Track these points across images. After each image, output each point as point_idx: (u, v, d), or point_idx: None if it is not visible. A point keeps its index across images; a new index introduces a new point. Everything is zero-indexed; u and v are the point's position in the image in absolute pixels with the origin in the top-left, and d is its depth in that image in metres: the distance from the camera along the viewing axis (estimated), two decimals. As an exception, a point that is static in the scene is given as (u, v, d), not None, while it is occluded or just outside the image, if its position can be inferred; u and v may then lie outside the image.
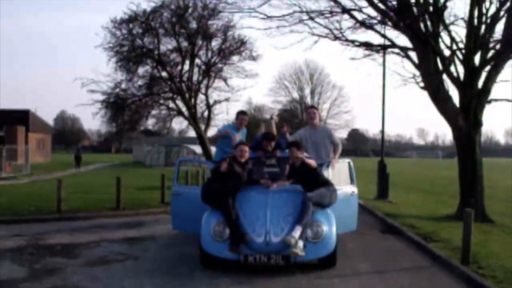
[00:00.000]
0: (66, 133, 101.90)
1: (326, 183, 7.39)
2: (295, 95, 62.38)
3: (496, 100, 14.32)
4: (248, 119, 9.56)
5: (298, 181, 7.51)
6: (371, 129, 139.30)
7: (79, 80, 23.27)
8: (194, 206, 7.65)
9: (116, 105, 24.23)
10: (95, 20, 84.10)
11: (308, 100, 63.76)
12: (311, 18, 14.70)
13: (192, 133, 36.86)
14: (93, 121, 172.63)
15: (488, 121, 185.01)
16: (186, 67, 24.53)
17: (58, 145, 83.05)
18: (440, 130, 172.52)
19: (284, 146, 8.51)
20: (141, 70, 24.26)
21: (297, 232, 6.47)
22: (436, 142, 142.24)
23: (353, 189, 8.78)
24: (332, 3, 13.29)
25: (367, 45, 14.65)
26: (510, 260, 7.19)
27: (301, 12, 14.23)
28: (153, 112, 26.43)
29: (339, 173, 9.08)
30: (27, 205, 13.24)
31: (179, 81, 24.20)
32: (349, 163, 8.89)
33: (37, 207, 12.90)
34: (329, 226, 6.89)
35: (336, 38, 14.74)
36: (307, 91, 64.12)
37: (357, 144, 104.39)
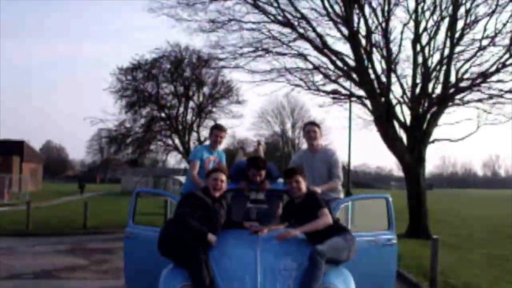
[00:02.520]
0: (52, 163, 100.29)
1: (340, 229, 4.82)
2: (277, 129, 64.38)
3: (438, 140, 17.73)
4: (224, 139, 6.76)
5: (301, 225, 4.95)
6: (353, 162, 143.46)
7: (88, 119, 28.32)
8: (157, 255, 4.87)
9: (120, 140, 29.79)
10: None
11: (290, 133, 67.63)
12: (289, 72, 18.26)
13: (172, 165, 42.70)
14: (77, 151, 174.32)
15: (466, 154, 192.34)
16: (182, 109, 30.47)
17: (44, 174, 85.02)
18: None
19: (276, 175, 6.15)
20: (143, 111, 30.02)
21: None
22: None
23: (390, 236, 5.82)
24: (306, 62, 16.52)
25: (333, 93, 17.49)
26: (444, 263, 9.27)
27: (280, 69, 17.20)
28: (151, 147, 31.58)
29: (368, 213, 6.85)
30: (53, 225, 16.88)
31: (176, 121, 29.53)
32: (386, 199, 5.88)
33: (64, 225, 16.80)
34: None
35: (308, 88, 18.18)
36: (288, 125, 64.49)
37: (345, 178, 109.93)
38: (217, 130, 6.55)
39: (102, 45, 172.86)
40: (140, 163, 44.53)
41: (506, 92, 14.74)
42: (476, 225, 20.37)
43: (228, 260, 4.46)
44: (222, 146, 6.93)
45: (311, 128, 6.16)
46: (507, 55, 14.44)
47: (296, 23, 15.98)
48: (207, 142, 6.80)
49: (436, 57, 15.91)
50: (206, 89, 32.04)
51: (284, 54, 16.94)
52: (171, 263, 4.64)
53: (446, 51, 15.31)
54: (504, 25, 14.67)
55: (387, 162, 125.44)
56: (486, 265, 10.42)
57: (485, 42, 14.86)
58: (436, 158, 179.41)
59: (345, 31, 15.98)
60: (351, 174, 29.58)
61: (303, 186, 4.99)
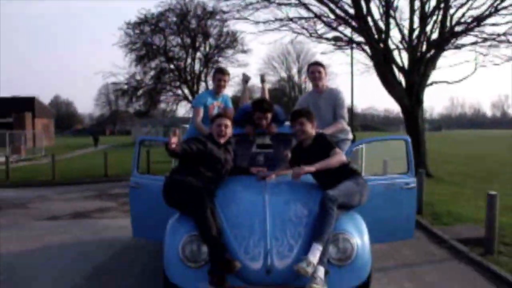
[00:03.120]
0: (61, 118, 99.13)
1: (352, 173, 4.52)
2: (283, 74, 64.72)
3: (436, 82, 18.41)
4: (228, 82, 6.36)
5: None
6: (359, 105, 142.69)
7: (100, 73, 29.56)
8: (164, 205, 4.67)
9: (131, 92, 31.53)
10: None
11: (296, 79, 68.07)
12: (292, 21, 18.87)
13: (182, 114, 44.02)
14: (85, 105, 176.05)
15: (475, 95, 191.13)
16: (189, 60, 31.72)
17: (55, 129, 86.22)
18: (427, 104, 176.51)
19: (283, 118, 5.91)
20: (152, 64, 31.40)
21: (315, 254, 3.77)
22: (424, 115, 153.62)
23: (409, 179, 5.47)
24: (308, 12, 16.82)
25: (334, 40, 17.99)
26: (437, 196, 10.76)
27: (283, 18, 17.90)
28: (161, 98, 33.12)
29: (385, 156, 6.70)
30: (76, 175, 17.98)
31: (184, 72, 31.00)
32: (406, 141, 5.52)
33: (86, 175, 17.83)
34: (361, 238, 4.10)
35: (311, 35, 19.05)
36: (294, 70, 64.31)
37: (349, 121, 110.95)
38: (220, 74, 6.21)
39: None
40: (150, 114, 45.73)
41: (500, 35, 14.99)
42: (477, 164, 20.93)
43: (235, 208, 4.27)
44: (229, 93, 6.88)
45: (315, 68, 5.90)
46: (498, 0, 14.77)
47: None
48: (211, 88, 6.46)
49: (433, 2, 15.86)
50: (212, 40, 33.98)
51: (287, 4, 16.97)
52: (177, 212, 4.42)
53: None
54: None
55: (394, 105, 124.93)
56: (473, 198, 10.95)
57: None
58: (445, 100, 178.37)
59: None
60: (359, 117, 30.51)
61: (308, 128, 4.66)
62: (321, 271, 3.73)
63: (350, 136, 5.88)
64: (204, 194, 4.16)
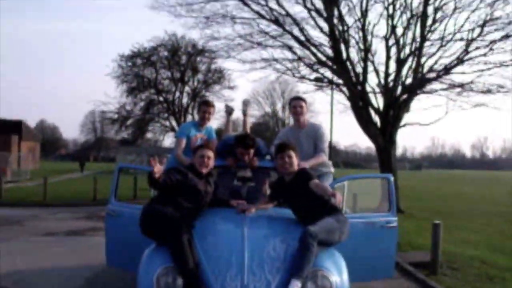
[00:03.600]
0: (46, 142, 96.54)
1: (332, 209, 4.39)
2: (268, 109, 65.02)
3: (410, 124, 19.63)
4: (212, 115, 6.22)
5: (290, 204, 4.66)
6: (343, 142, 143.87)
7: (91, 102, 32.28)
8: (140, 234, 4.45)
9: (121, 121, 33.45)
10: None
11: (280, 114, 69.64)
12: (277, 61, 20.15)
13: (168, 144, 46.06)
14: (69, 130, 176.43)
15: (456, 135, 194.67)
16: (178, 93, 33.78)
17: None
18: (408, 143, 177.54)
19: (265, 151, 5.82)
20: (142, 95, 33.53)
21: None
22: (405, 154, 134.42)
23: (390, 218, 5.32)
24: (292, 54, 17.82)
25: (315, 81, 20.28)
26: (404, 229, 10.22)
27: (268, 59, 19.03)
28: (149, 128, 34.93)
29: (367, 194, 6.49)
30: (66, 197, 18.65)
31: (172, 104, 33.00)
32: (388, 180, 5.43)
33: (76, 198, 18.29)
34: (340, 276, 3.96)
35: (293, 75, 20.27)
36: (279, 105, 64.18)
37: (329, 156, 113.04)
38: (205, 106, 6.13)
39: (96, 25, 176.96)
40: (136, 143, 47.01)
41: (465, 84, 16.00)
42: (450, 201, 21.80)
43: (213, 240, 4.10)
44: (214, 125, 6.51)
45: (297, 103, 5.82)
46: (463, 52, 15.70)
47: (282, 20, 17.98)
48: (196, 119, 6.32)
49: (407, 50, 16.85)
50: (200, 75, 36.06)
51: (272, 46, 17.90)
52: (154, 242, 4.24)
53: (416, 45, 16.44)
54: (462, 26, 15.84)
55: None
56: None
57: (447, 39, 16.07)
58: (426, 139, 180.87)
59: (325, 27, 17.06)
60: (341, 153, 31.53)
61: (295, 162, 4.59)
62: None
63: (332, 169, 5.82)
64: (182, 225, 4.02)
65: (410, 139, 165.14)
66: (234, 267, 3.78)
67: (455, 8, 15.91)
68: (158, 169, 4.00)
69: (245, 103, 7.03)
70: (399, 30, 16.94)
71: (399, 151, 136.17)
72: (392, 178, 5.37)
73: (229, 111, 7.04)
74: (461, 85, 16.14)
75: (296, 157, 4.62)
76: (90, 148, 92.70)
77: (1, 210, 15.12)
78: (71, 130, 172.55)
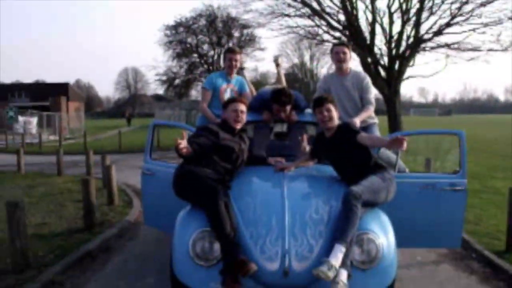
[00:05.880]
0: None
1: (378, 168, 3.90)
2: (296, 60, 66.95)
3: (412, 76, 23.78)
4: (239, 62, 5.60)
5: (332, 161, 4.16)
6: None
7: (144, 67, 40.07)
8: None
9: (169, 81, 39.99)
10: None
11: (308, 65, 72.89)
12: (299, 27, 24.17)
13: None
14: (106, 88, 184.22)
15: (488, 80, 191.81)
16: (216, 56, 39.96)
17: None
18: (440, 89, 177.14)
19: (304, 105, 5.11)
20: (185, 60, 40.12)
21: (337, 256, 3.24)
22: (436, 100, 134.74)
23: (458, 180, 4.51)
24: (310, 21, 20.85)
25: (338, 44, 23.83)
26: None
27: (292, 26, 21.63)
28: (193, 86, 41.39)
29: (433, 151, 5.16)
30: (136, 146, 20.89)
31: (212, 65, 38.96)
32: (460, 136, 4.59)
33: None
34: (387, 239, 3.51)
35: (314, 38, 24.51)
36: (306, 57, 66.07)
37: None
38: (231, 53, 5.46)
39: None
40: (169, 98, 52.85)
41: (455, 43, 19.08)
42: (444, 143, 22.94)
43: (251, 202, 3.68)
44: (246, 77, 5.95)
45: (340, 49, 5.26)
46: (447, 18, 18.59)
47: None
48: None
49: (411, 14, 19.17)
50: (234, 40, 42.33)
51: (295, 16, 20.40)
52: (187, 205, 3.83)
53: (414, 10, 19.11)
54: None
55: (407, 89, 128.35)
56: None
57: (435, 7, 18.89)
58: (459, 84, 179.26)
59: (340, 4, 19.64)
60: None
61: (335, 115, 4.08)
62: (343, 275, 3.20)
63: (376, 120, 5.28)
64: (218, 187, 3.61)
65: (440, 85, 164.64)
66: (274, 230, 3.39)
67: None
68: (183, 145, 3.60)
69: (276, 57, 6.66)
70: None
71: (430, 97, 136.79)
72: (464, 134, 4.57)
73: (276, 60, 6.59)
74: (450, 45, 19.93)
75: (336, 111, 4.07)
76: (124, 105, 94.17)
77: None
78: (105, 88, 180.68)
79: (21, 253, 4.81)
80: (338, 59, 5.23)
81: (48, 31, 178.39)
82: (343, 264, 3.25)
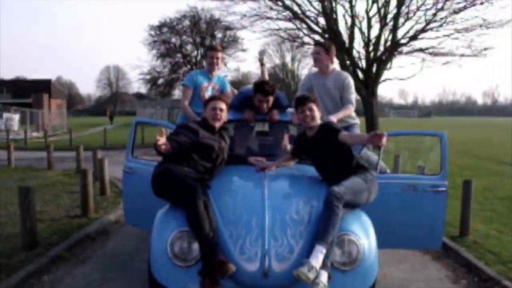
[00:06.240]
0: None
1: (359, 168, 3.84)
2: (277, 61, 66.78)
3: (389, 79, 24.60)
4: (221, 60, 5.51)
5: (314, 161, 4.12)
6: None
7: (127, 66, 42.42)
8: None
9: (152, 80, 41.60)
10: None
11: (289, 65, 73.62)
12: (280, 30, 25.11)
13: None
14: (87, 86, 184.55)
15: (468, 83, 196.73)
16: (199, 57, 41.69)
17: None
18: (420, 91, 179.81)
19: (286, 103, 5.05)
20: (169, 59, 41.98)
21: (317, 257, 3.19)
22: (416, 102, 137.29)
23: (439, 182, 4.48)
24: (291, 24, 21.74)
25: (314, 44, 25.03)
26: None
27: (274, 29, 22.54)
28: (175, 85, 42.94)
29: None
30: (120, 143, 20.78)
31: (195, 65, 40.51)
32: (441, 138, 4.57)
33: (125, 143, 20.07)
34: (368, 240, 3.45)
35: (294, 41, 25.40)
36: (288, 58, 65.96)
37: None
38: (212, 51, 5.31)
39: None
40: (150, 97, 53.98)
41: (429, 48, 20.08)
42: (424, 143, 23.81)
43: (231, 201, 3.60)
44: (227, 78, 5.87)
45: (314, 49, 5.26)
46: (423, 24, 19.54)
47: (285, 0, 20.32)
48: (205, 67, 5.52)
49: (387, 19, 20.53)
50: (217, 40, 44.01)
51: (277, 19, 21.05)
52: (166, 204, 3.74)
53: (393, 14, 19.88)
54: (423, 2, 19.37)
55: (387, 91, 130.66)
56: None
57: (411, 12, 19.86)
58: (438, 87, 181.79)
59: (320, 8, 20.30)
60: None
61: (317, 115, 4.01)
62: (323, 276, 3.14)
63: (358, 120, 5.24)
64: (197, 186, 3.49)
65: (421, 87, 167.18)
66: (254, 231, 3.31)
67: None
68: (162, 141, 3.52)
69: (261, 53, 6.64)
70: (380, 2, 21.75)
71: (409, 99, 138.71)
72: (445, 136, 4.56)
73: (260, 60, 6.49)
74: (424, 49, 21.04)
75: (318, 110, 3.99)
76: (105, 103, 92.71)
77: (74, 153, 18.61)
78: (86, 86, 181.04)
79: (31, 233, 5.38)
80: (314, 59, 5.19)
81: (28, 27, 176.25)
82: (324, 265, 3.20)
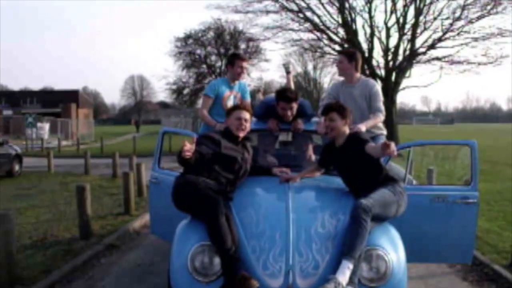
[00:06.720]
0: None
1: (388, 180, 3.62)
2: (299, 69, 66.02)
3: (408, 87, 25.47)
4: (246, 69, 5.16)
5: (341, 172, 3.90)
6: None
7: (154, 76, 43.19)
8: None
9: (178, 90, 42.68)
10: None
11: (311, 74, 74.18)
12: (301, 40, 25.91)
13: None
14: (112, 95, 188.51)
15: (492, 89, 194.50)
16: (223, 67, 42.68)
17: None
18: (443, 98, 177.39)
19: (310, 112, 4.85)
20: (195, 70, 43.13)
21: (344, 273, 3.02)
22: (439, 109, 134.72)
23: (469, 193, 4.18)
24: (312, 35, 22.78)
25: (338, 53, 25.53)
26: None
27: (295, 40, 23.58)
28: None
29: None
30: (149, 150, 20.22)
31: (219, 75, 41.87)
32: (471, 147, 4.19)
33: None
34: (397, 255, 3.25)
35: (316, 51, 26.63)
36: (310, 66, 65.69)
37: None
38: (240, 60, 5.02)
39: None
40: (174, 106, 55.37)
41: (446, 56, 20.70)
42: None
43: (254, 214, 3.45)
44: (249, 87, 5.68)
45: (338, 59, 5.07)
46: (440, 33, 20.36)
47: (305, 12, 21.19)
48: (227, 75, 5.32)
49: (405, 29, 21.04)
50: (241, 51, 45.61)
51: (298, 30, 21.84)
52: (187, 216, 3.61)
53: (411, 24, 20.79)
54: (440, 12, 20.26)
55: (410, 98, 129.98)
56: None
57: (428, 23, 20.70)
58: (462, 93, 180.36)
59: (339, 19, 21.25)
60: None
61: (340, 125, 3.75)
62: None
63: (385, 131, 5.06)
64: (219, 198, 3.37)
65: (444, 94, 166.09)
66: (278, 245, 3.15)
67: None
68: (189, 147, 3.37)
69: (287, 64, 6.59)
70: (398, 12, 22.56)
71: (433, 106, 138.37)
72: (476, 145, 4.23)
73: (287, 68, 6.39)
74: (441, 58, 21.80)
75: (343, 119, 3.79)
76: (130, 112, 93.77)
77: (106, 159, 17.95)
78: (111, 95, 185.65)
79: (87, 225, 6.32)
80: (338, 68, 5.06)
81: (59, 38, 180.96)
82: (351, 282, 3.03)
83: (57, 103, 47.57)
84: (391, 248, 3.25)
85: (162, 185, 4.70)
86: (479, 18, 19.76)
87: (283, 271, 3.04)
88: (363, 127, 4.27)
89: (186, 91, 45.68)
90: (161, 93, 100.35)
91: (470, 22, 19.84)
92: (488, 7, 19.10)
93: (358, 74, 4.91)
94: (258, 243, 3.21)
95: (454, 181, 8.02)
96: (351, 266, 3.04)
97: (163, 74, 48.99)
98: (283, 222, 3.28)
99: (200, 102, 47.67)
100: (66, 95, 51.31)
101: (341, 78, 5.08)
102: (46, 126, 34.75)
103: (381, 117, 4.73)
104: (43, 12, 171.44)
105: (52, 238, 6.39)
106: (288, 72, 6.31)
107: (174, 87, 47.36)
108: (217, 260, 3.16)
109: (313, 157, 4.41)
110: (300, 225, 3.26)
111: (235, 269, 3.07)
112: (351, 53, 4.97)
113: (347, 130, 3.77)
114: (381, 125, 4.94)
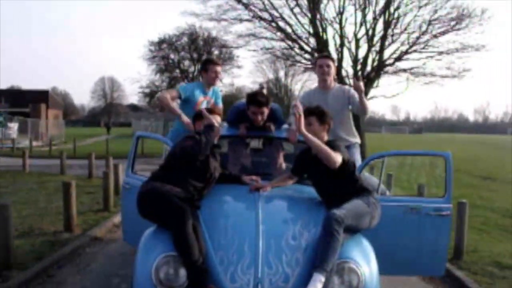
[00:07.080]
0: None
1: (362, 191, 3.51)
2: (271, 76, 66.74)
3: (376, 96, 26.41)
4: (220, 73, 5.17)
5: (314, 181, 3.76)
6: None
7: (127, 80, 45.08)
8: None
9: (151, 94, 43.75)
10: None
11: (283, 81, 75.05)
12: (273, 48, 26.79)
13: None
14: (81, 96, 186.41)
15: (460, 100, 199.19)
16: (196, 72, 43.38)
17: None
18: (412, 108, 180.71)
19: (281, 118, 4.74)
20: (168, 74, 43.96)
21: (315, 286, 2.88)
22: (408, 118, 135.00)
23: (443, 205, 4.14)
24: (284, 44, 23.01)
25: (323, 57, 26.38)
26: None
27: (268, 48, 24.47)
28: None
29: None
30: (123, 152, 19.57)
31: (192, 80, 42.96)
32: (446, 158, 4.18)
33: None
34: (369, 268, 3.14)
35: (287, 59, 27.28)
36: (281, 73, 66.25)
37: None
38: (214, 65, 4.94)
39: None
40: (144, 109, 56.44)
41: (412, 68, 21.37)
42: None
43: (222, 224, 3.30)
44: (221, 93, 5.63)
45: (324, 62, 4.87)
46: (407, 46, 20.82)
47: (278, 22, 21.48)
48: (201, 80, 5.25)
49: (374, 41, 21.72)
50: (214, 57, 46.94)
51: (271, 39, 22.09)
52: (153, 225, 3.43)
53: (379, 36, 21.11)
54: (407, 26, 20.87)
55: (380, 107, 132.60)
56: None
57: (396, 35, 21.26)
58: (430, 103, 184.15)
59: (310, 29, 21.21)
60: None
61: (318, 130, 3.66)
62: None
63: (358, 140, 4.99)
64: (186, 207, 3.20)
65: (413, 104, 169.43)
66: (247, 257, 3.02)
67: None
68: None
69: (261, 84, 6.09)
70: (368, 24, 23.48)
71: (402, 115, 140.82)
72: (450, 157, 4.16)
73: (261, 88, 5.82)
74: (407, 69, 22.83)
75: (321, 125, 3.68)
76: (100, 113, 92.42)
77: (79, 160, 18.90)
78: (81, 96, 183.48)
79: (71, 218, 6.77)
80: (322, 72, 4.86)
81: (23, 36, 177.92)
82: None
83: (26, 103, 46.63)
84: (364, 261, 3.14)
85: (133, 190, 4.19)
86: (443, 33, 20.62)
87: (252, 284, 2.90)
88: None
89: (158, 95, 46.87)
90: (132, 95, 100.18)
91: (435, 36, 20.55)
92: (452, 23, 20.10)
93: (333, 81, 4.90)
94: (226, 254, 3.05)
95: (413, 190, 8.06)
96: (322, 279, 2.91)
97: (135, 77, 50.05)
98: (252, 232, 3.14)
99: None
100: (35, 95, 50.67)
101: (313, 86, 4.81)
102: (15, 126, 34.01)
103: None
104: (8, 9, 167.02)
105: (38, 231, 6.77)
106: (261, 88, 5.93)
107: (147, 90, 48.53)
108: (183, 272, 3.03)
109: (284, 165, 4.27)
110: (270, 236, 3.12)
111: (202, 281, 2.94)
112: (333, 59, 4.97)
113: (325, 136, 3.64)
114: (355, 131, 4.94)
